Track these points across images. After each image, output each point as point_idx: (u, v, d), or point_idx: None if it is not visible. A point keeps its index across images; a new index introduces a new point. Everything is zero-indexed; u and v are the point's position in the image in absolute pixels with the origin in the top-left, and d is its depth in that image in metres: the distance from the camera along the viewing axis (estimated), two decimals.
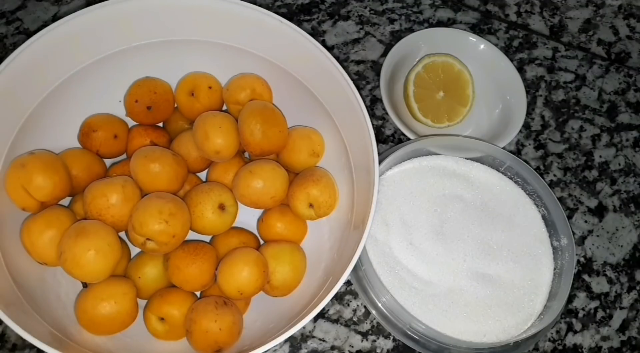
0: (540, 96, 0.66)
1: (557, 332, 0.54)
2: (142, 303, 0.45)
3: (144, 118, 0.50)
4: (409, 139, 0.57)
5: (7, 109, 0.42)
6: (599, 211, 0.60)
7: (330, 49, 0.64)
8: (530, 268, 0.51)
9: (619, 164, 0.63)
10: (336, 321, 0.51)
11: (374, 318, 0.51)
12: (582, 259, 0.57)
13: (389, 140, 0.60)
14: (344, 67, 0.45)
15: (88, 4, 0.43)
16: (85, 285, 0.44)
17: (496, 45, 0.63)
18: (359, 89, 0.48)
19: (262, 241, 0.50)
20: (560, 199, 0.60)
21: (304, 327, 0.50)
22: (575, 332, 0.54)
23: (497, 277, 0.50)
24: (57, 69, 0.45)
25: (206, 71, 0.51)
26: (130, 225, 0.42)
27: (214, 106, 0.51)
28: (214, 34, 0.48)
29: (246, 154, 0.53)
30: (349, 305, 0.52)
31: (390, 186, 0.53)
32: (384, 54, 0.64)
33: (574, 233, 0.58)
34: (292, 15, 0.66)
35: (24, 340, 0.39)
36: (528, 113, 0.63)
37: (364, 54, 0.65)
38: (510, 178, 0.55)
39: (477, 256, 0.50)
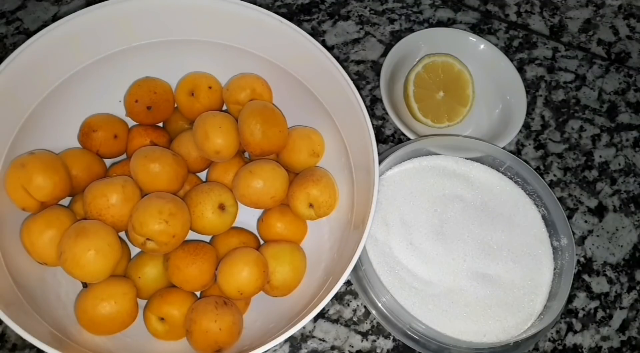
0: (540, 96, 0.66)
1: (557, 332, 0.54)
2: (142, 303, 0.45)
3: (144, 118, 0.50)
4: (409, 139, 0.57)
5: (7, 109, 0.42)
6: (599, 211, 0.60)
7: (330, 49, 0.64)
8: (530, 268, 0.51)
9: (619, 164, 0.63)
10: (336, 321, 0.51)
11: (374, 318, 0.51)
12: (582, 259, 0.57)
13: (389, 140, 0.60)
14: (344, 67, 0.45)
15: (88, 4, 0.43)
16: (85, 285, 0.44)
17: (496, 45, 0.63)
18: (359, 89, 0.48)
19: (262, 241, 0.50)
20: (560, 199, 0.60)
21: (304, 327, 0.50)
22: (575, 332, 0.54)
23: (497, 277, 0.50)
24: (57, 69, 0.45)
25: (206, 71, 0.51)
26: (130, 225, 0.42)
27: (214, 106, 0.51)
28: (214, 34, 0.48)
29: (246, 154, 0.53)
30: (349, 305, 0.52)
31: (390, 186, 0.53)
32: (384, 54, 0.64)
33: (574, 233, 0.58)
34: (292, 15, 0.66)
35: (24, 340, 0.39)
36: (528, 113, 0.63)
37: (364, 54, 0.65)
38: (510, 178, 0.55)
39: (477, 256, 0.50)
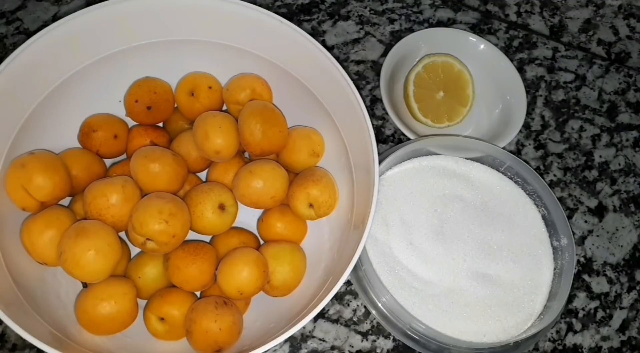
0: (540, 96, 0.66)
1: (557, 332, 0.54)
2: (142, 303, 0.45)
3: (144, 118, 0.50)
4: (409, 139, 0.57)
5: (7, 109, 0.42)
6: (599, 211, 0.60)
7: (330, 49, 0.64)
8: (530, 268, 0.51)
9: (619, 164, 0.63)
10: (336, 321, 0.51)
11: (374, 318, 0.51)
12: (582, 259, 0.57)
13: (389, 140, 0.60)
14: (344, 67, 0.45)
15: (88, 4, 0.43)
16: (85, 285, 0.44)
17: (496, 45, 0.63)
18: (359, 89, 0.48)
19: (262, 241, 0.50)
20: (560, 199, 0.60)
21: (304, 327, 0.50)
22: (575, 332, 0.54)
23: (497, 277, 0.50)
24: (57, 69, 0.45)
25: (206, 71, 0.51)
26: (130, 225, 0.42)
27: (214, 106, 0.51)
28: (214, 34, 0.48)
29: (246, 154, 0.53)
30: (349, 305, 0.52)
31: (390, 186, 0.53)
32: (384, 54, 0.64)
33: (574, 233, 0.58)
34: (292, 15, 0.66)
35: (24, 340, 0.39)
36: (528, 113, 0.63)
37: (364, 54, 0.65)
38: (510, 178, 0.55)
39: (477, 256, 0.50)
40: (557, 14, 0.72)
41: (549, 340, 0.53)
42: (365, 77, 0.63)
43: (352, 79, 0.45)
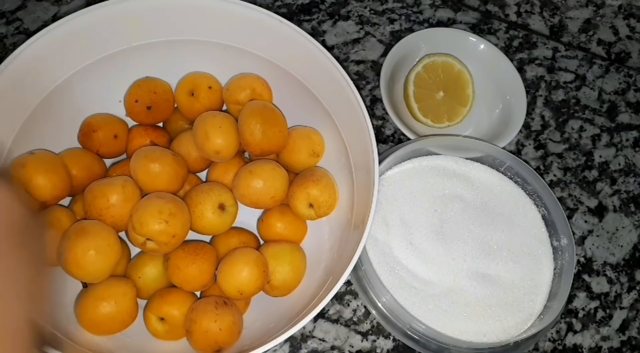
0: (540, 96, 0.66)
1: (557, 332, 0.54)
2: (142, 303, 0.45)
3: (144, 118, 0.50)
4: (409, 139, 0.57)
5: (7, 109, 0.42)
6: (599, 211, 0.60)
7: (330, 49, 0.64)
8: (530, 268, 0.51)
9: (619, 164, 0.63)
10: (336, 321, 0.51)
11: (374, 318, 0.51)
12: (582, 259, 0.57)
13: (389, 140, 0.60)
14: (344, 67, 0.45)
15: (88, 4, 0.43)
16: (85, 285, 0.44)
17: (496, 45, 0.63)
18: (359, 89, 0.48)
19: (262, 241, 0.50)
20: (560, 199, 0.60)
21: (304, 327, 0.50)
22: (575, 332, 0.54)
23: (497, 277, 0.50)
24: (57, 69, 0.45)
25: (206, 71, 0.51)
26: (130, 225, 0.42)
27: (214, 106, 0.51)
28: (214, 34, 0.48)
29: (246, 154, 0.53)
30: (349, 305, 0.52)
31: (390, 186, 0.53)
32: (384, 54, 0.64)
33: (574, 233, 0.58)
34: (292, 15, 0.66)
35: None
36: (528, 113, 0.63)
37: (364, 54, 0.65)
38: (510, 178, 0.55)
39: (477, 256, 0.50)
40: (557, 14, 0.72)
41: (549, 340, 0.53)
42: (365, 77, 0.63)
43: (352, 79, 0.45)
